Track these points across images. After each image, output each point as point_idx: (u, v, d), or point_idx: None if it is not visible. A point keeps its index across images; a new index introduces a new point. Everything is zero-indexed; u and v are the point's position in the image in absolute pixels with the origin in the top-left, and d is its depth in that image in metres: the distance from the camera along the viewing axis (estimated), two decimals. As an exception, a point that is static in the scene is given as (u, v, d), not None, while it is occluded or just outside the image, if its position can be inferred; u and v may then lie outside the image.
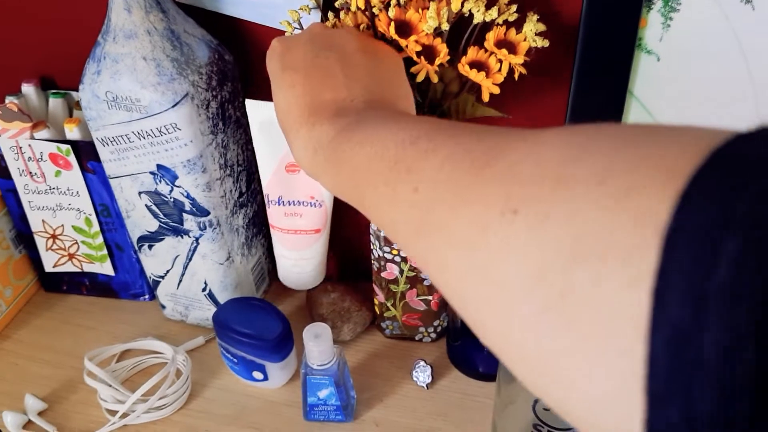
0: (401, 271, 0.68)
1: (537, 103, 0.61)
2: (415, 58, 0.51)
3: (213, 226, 0.67)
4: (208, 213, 0.66)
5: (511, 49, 0.52)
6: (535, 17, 0.53)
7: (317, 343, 0.62)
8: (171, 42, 0.59)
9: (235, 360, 0.69)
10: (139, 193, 0.66)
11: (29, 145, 0.68)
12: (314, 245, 0.70)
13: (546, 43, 0.53)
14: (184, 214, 0.66)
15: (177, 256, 0.70)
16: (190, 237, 0.68)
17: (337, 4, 0.56)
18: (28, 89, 0.73)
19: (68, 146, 0.67)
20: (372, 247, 0.68)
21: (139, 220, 0.69)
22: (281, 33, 0.63)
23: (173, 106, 0.59)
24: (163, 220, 0.68)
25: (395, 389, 0.70)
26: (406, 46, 0.51)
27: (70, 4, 0.70)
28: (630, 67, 0.52)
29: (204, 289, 0.72)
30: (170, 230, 0.68)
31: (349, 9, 0.54)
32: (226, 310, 0.69)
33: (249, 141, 0.69)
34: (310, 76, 0.45)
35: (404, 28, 0.52)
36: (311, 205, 0.67)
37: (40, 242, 0.76)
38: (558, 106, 0.61)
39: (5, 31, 0.75)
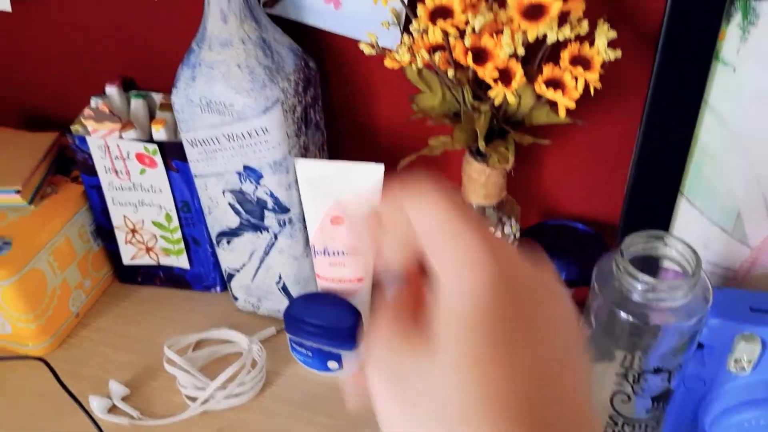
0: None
1: (611, 109, 0.64)
2: (492, 84, 0.54)
3: (292, 222, 0.71)
4: (288, 210, 0.70)
5: (586, 64, 0.55)
6: (606, 25, 0.56)
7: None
8: (263, 50, 0.63)
9: (309, 353, 0.72)
10: (224, 191, 0.70)
11: (117, 145, 0.72)
12: (358, 294, 0.74)
13: (619, 54, 0.56)
14: (266, 212, 0.70)
15: (254, 251, 0.74)
16: (269, 233, 0.72)
17: (412, 29, 0.59)
18: (111, 90, 0.77)
19: (155, 146, 0.71)
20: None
21: (221, 217, 0.73)
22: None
23: (264, 112, 0.63)
24: (244, 217, 0.71)
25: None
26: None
27: (147, 10, 0.74)
28: (707, 78, 0.56)
29: (278, 282, 0.76)
30: (250, 226, 0.72)
31: (426, 32, 0.57)
32: (297, 305, 0.73)
33: (325, 143, 0.73)
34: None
35: (480, 55, 0.55)
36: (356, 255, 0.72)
37: (120, 236, 0.80)
38: (633, 110, 0.64)
39: (89, 35, 0.79)
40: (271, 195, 0.69)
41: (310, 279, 0.76)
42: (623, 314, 0.52)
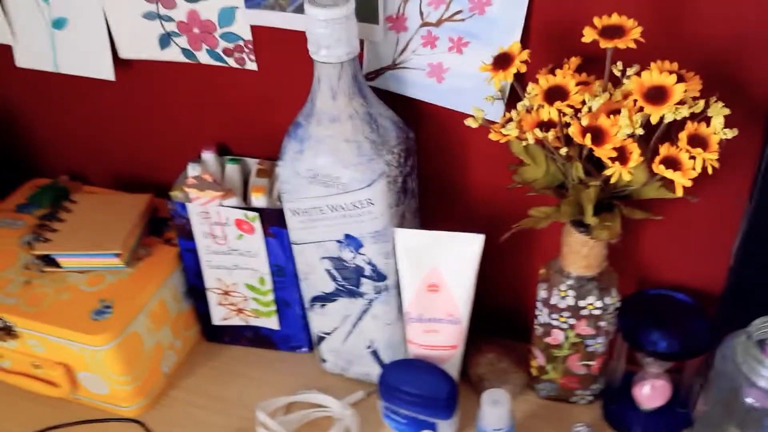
0: (566, 338, 0.71)
1: (718, 182, 0.64)
2: (609, 164, 0.55)
3: (388, 289, 0.71)
4: (385, 278, 0.70)
5: (703, 143, 0.55)
6: (720, 104, 0.56)
7: (495, 409, 0.65)
8: (369, 125, 0.64)
9: (403, 420, 0.72)
10: (322, 258, 0.71)
11: (217, 211, 0.73)
12: (450, 360, 0.74)
13: (735, 132, 0.55)
14: (363, 279, 0.71)
15: (348, 316, 0.75)
16: (364, 299, 0.72)
17: (520, 106, 0.60)
18: (207, 156, 0.79)
19: (255, 213, 0.72)
20: (537, 314, 0.72)
21: (317, 282, 0.73)
22: (464, 115, 0.67)
23: (370, 184, 0.64)
24: (340, 283, 0.72)
25: (556, 450, 0.73)
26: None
27: (240, 79, 0.76)
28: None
29: (369, 347, 0.76)
30: (346, 292, 0.73)
31: (534, 109, 0.58)
32: (392, 372, 0.73)
33: (418, 209, 0.74)
34: None
35: (597, 135, 0.55)
36: (449, 323, 0.72)
37: (212, 297, 0.81)
38: (740, 184, 0.63)
39: (185, 102, 0.81)
40: (370, 263, 0.69)
41: (401, 344, 0.77)
42: (748, 399, 0.51)
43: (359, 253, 0.69)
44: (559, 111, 0.55)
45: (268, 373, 0.83)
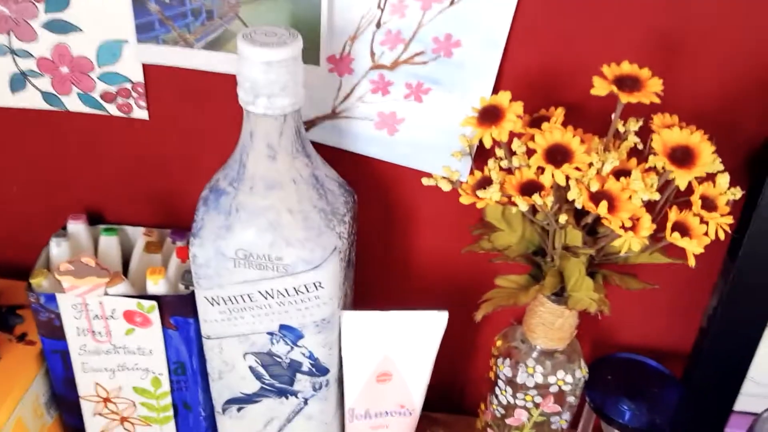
0: (529, 418, 0.62)
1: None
2: (620, 233, 0.47)
3: (328, 384, 0.59)
4: (327, 372, 0.58)
5: (711, 205, 0.49)
6: (718, 159, 0.50)
7: None
8: (316, 190, 0.51)
9: None
10: (245, 354, 0.57)
11: (100, 302, 0.57)
12: None
13: (741, 193, 0.50)
14: (298, 375, 0.58)
15: (272, 419, 0.61)
16: (297, 398, 0.59)
17: (492, 163, 0.51)
18: (76, 227, 0.61)
19: (153, 303, 0.57)
20: (497, 394, 0.62)
21: (235, 382, 0.59)
22: (415, 173, 0.57)
23: (319, 265, 0.51)
24: (267, 382, 0.58)
25: None
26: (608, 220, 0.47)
27: (119, 130, 0.60)
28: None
29: (298, 452, 0.63)
30: (274, 392, 0.59)
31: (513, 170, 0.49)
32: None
33: (359, 284, 0.62)
34: None
35: (609, 201, 0.47)
36: (401, 415, 0.61)
37: (87, 407, 0.63)
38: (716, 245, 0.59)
39: (45, 161, 0.63)
40: (310, 356, 0.56)
41: (335, 445, 0.64)
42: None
43: (297, 346, 0.56)
44: (566, 175, 0.47)
45: (163, 493, 0.66)
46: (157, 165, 0.61)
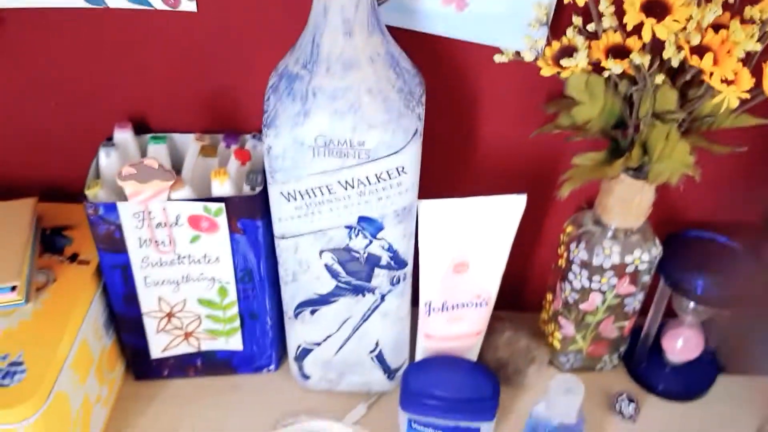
0: (604, 301, 0.62)
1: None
2: (721, 88, 0.45)
3: (406, 278, 0.57)
4: (405, 264, 0.56)
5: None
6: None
7: (568, 398, 0.54)
8: (393, 69, 0.48)
9: None
10: (321, 251, 0.55)
11: (163, 209, 0.54)
12: (471, 349, 0.63)
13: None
14: (377, 270, 0.56)
15: (348, 318, 0.59)
16: (374, 294, 0.57)
17: (571, 32, 0.48)
18: (123, 136, 0.58)
19: (221, 205, 0.54)
20: (570, 279, 0.61)
21: (309, 283, 0.57)
22: (485, 50, 0.54)
23: (402, 148, 0.49)
24: (344, 280, 0.56)
25: (603, 427, 0.64)
26: (711, 75, 0.45)
27: (164, 26, 0.56)
28: None
29: (372, 351, 0.62)
30: (350, 290, 0.57)
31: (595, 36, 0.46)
32: (417, 377, 0.59)
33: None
34: None
35: (704, 54, 0.45)
36: (476, 306, 0.60)
37: (150, 324, 0.61)
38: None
39: (86, 67, 0.59)
40: (389, 249, 0.54)
41: (407, 342, 0.63)
42: None
43: (376, 239, 0.54)
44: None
45: (233, 406, 0.64)
46: (205, 63, 0.57)
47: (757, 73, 0.47)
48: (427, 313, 0.59)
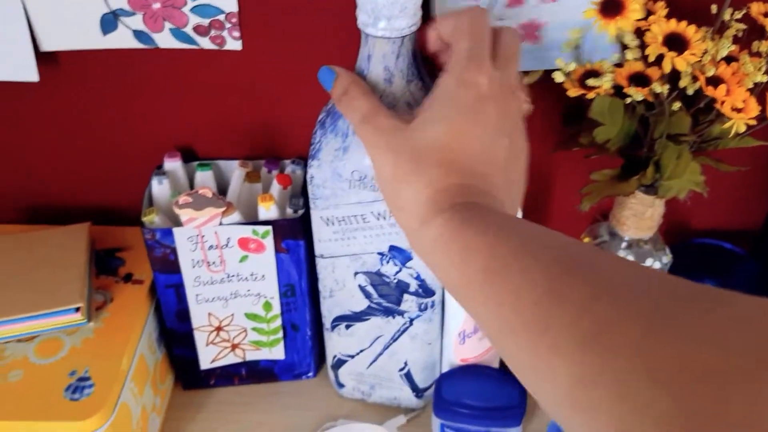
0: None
1: None
2: (732, 115, 0.49)
3: (434, 306, 0.61)
4: (433, 293, 0.60)
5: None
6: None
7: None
8: (427, 108, 0.53)
9: (469, 437, 0.64)
10: (356, 273, 0.59)
11: (215, 232, 0.58)
12: (498, 357, 0.68)
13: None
14: (405, 295, 0.60)
15: (380, 337, 0.64)
16: (403, 318, 0.62)
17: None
18: (173, 165, 0.63)
19: (268, 227, 0.59)
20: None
21: (345, 300, 0.62)
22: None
23: (434, 178, 0.53)
24: (375, 301, 0.61)
25: None
26: (722, 103, 0.49)
27: (211, 63, 0.60)
28: None
29: (402, 369, 0.66)
30: (381, 311, 0.62)
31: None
32: (449, 386, 0.64)
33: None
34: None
35: (719, 85, 0.50)
36: None
37: (200, 338, 0.66)
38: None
39: (137, 102, 0.64)
40: (418, 277, 0.59)
41: (437, 363, 0.67)
42: None
43: (405, 267, 0.58)
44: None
45: (276, 411, 0.69)
46: (248, 97, 0.62)
47: (761, 101, 0.51)
48: (461, 342, 0.64)
